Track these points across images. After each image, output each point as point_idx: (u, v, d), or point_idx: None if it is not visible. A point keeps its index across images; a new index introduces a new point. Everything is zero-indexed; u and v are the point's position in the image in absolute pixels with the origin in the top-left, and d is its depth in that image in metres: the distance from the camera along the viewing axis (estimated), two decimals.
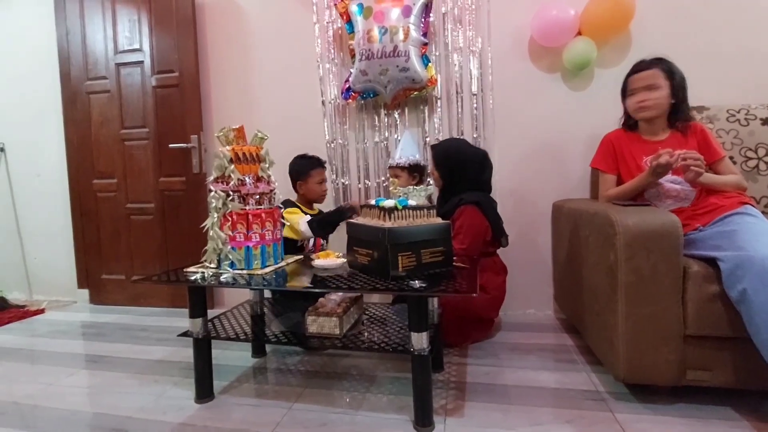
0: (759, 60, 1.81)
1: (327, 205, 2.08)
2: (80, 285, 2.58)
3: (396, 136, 2.16)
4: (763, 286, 1.02)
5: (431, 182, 2.02)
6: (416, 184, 1.96)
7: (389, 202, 1.21)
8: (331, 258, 1.50)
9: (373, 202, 1.28)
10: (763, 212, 1.33)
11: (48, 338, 2.00)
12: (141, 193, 2.42)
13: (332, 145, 2.23)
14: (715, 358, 1.19)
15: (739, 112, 1.56)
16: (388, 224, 1.17)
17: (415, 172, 1.95)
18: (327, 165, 2.02)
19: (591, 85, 1.97)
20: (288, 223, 1.76)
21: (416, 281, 1.12)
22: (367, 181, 2.22)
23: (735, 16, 1.83)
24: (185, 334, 1.33)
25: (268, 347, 1.71)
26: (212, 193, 1.36)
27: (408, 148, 1.95)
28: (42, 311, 2.43)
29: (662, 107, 1.47)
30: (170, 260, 2.40)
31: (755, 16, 1.81)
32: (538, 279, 2.08)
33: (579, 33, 1.88)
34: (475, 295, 1.04)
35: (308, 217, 1.79)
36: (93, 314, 2.38)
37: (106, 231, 2.50)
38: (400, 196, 1.31)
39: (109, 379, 1.54)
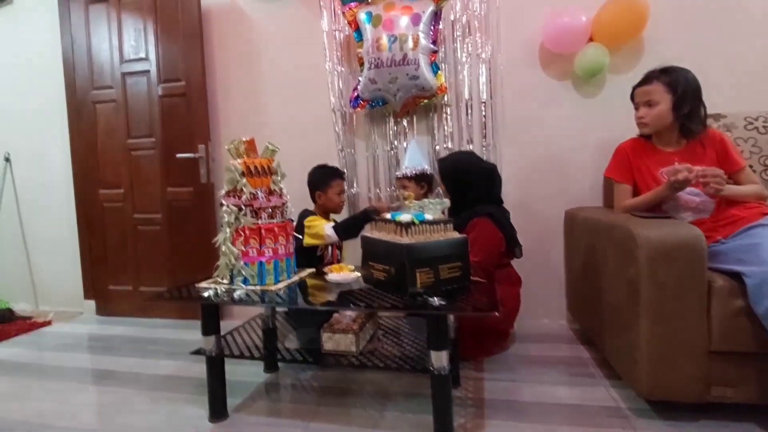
0: None
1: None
2: (87, 296, 2.57)
3: (405, 144, 2.14)
4: None
5: (440, 192, 2.00)
6: (424, 194, 1.94)
7: (406, 217, 1.19)
8: (345, 272, 1.48)
9: (388, 216, 1.26)
10: None
11: (56, 352, 1.98)
12: (148, 204, 2.41)
13: (343, 153, 2.21)
14: (740, 373, 1.17)
15: (757, 119, 1.53)
16: (405, 240, 1.15)
17: (422, 182, 1.92)
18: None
19: (602, 92, 1.95)
20: (301, 237, 1.74)
21: (435, 298, 1.10)
22: (377, 190, 2.20)
23: (750, 24, 1.80)
24: (198, 351, 1.31)
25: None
26: (224, 208, 1.34)
27: (414, 158, 1.93)
28: (49, 323, 2.41)
29: (661, 123, 1.46)
30: (177, 271, 2.38)
31: None
32: (550, 288, 2.05)
33: (591, 39, 1.86)
34: (497, 314, 1.01)
35: (332, 223, 1.78)
36: (100, 326, 2.36)
37: (112, 241, 2.48)
38: (415, 209, 1.29)
39: (119, 396, 1.52)
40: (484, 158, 1.97)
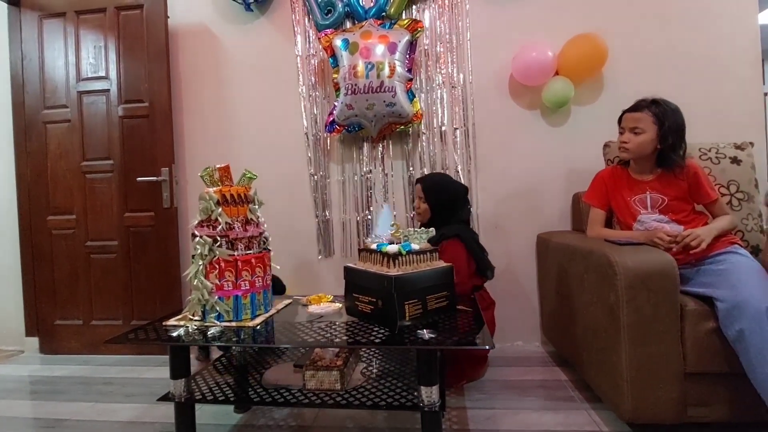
0: (720, 102, 1.95)
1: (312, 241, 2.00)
2: (29, 332, 2.31)
3: (380, 168, 2.13)
4: (759, 329, 1.07)
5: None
6: None
7: (393, 248, 1.17)
8: (325, 302, 1.43)
9: (373, 246, 1.23)
10: None
11: None
12: (103, 230, 2.23)
13: (316, 177, 2.17)
14: (713, 393, 1.22)
15: (710, 150, 1.65)
16: (393, 272, 1.13)
17: None
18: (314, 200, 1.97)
19: (568, 121, 2.05)
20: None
21: (425, 331, 1.07)
22: (345, 215, 2.17)
23: (694, 66, 1.97)
24: (165, 397, 1.20)
25: None
26: (197, 239, 1.26)
27: (386, 226, 1.89)
28: None
29: (642, 151, 1.46)
30: (135, 303, 2.21)
31: (717, 65, 1.96)
32: (523, 310, 2.08)
33: (557, 73, 1.96)
34: (488, 347, 1.00)
35: None
36: (45, 366, 2.12)
37: (61, 272, 2.27)
38: (402, 239, 1.27)
39: None
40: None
